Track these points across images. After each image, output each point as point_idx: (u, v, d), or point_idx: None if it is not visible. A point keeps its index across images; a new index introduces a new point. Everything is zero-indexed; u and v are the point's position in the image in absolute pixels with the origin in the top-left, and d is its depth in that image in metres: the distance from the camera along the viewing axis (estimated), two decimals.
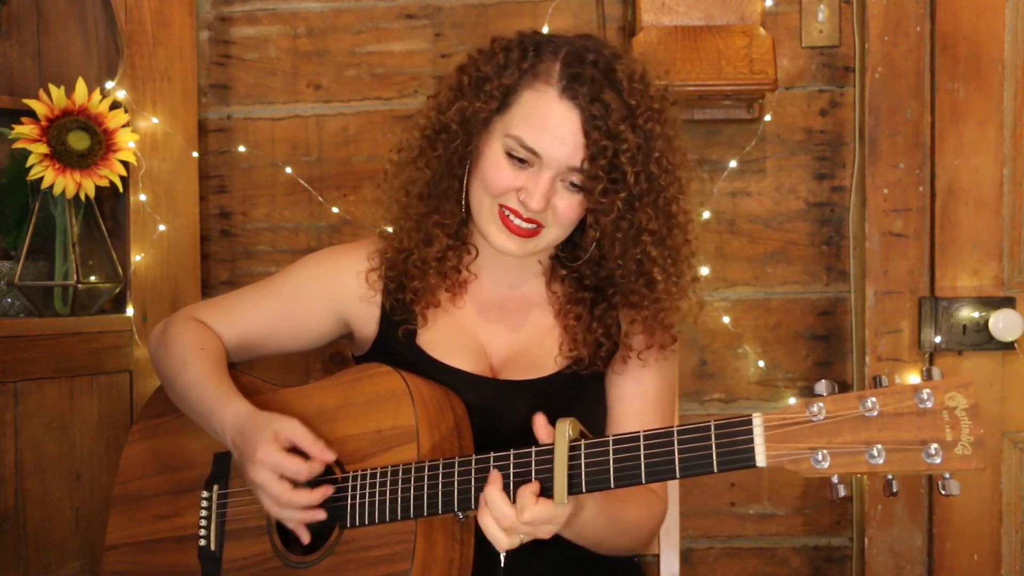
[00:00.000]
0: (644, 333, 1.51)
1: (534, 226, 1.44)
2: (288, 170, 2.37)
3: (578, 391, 1.52)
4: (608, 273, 1.51)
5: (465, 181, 1.49)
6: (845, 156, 2.26)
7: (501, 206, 1.44)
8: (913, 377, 2.15)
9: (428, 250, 1.52)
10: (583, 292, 1.54)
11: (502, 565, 1.36)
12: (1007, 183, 2.14)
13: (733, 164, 2.27)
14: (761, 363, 2.28)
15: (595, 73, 1.40)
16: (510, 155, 1.42)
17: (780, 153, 2.27)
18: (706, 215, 2.27)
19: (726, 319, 2.28)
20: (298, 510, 1.37)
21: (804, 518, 2.29)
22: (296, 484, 1.36)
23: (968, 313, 2.11)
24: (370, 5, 2.35)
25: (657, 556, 1.75)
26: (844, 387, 2.27)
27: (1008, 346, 2.11)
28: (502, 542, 1.24)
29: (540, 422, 1.26)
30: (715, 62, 2.05)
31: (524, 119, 1.41)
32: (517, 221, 1.43)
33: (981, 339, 2.11)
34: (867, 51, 2.15)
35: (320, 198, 2.36)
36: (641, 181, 1.42)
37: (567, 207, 1.44)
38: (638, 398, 1.54)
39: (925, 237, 2.15)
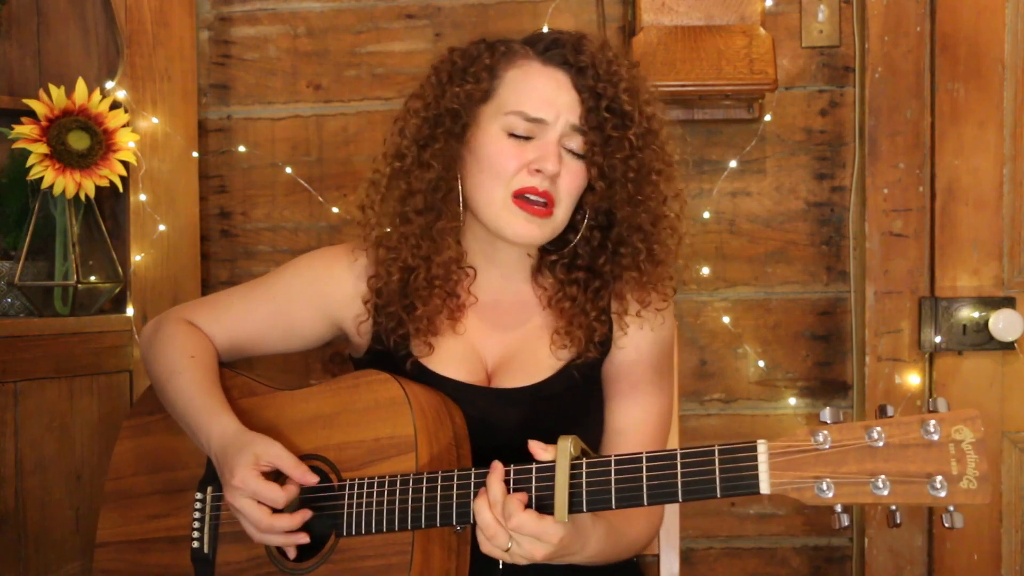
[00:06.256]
0: (639, 290, 1.52)
1: (545, 201, 1.44)
2: (288, 170, 2.37)
3: (571, 395, 1.51)
4: (600, 243, 1.52)
5: (461, 192, 1.49)
6: (845, 156, 2.26)
7: (515, 193, 1.43)
8: (913, 379, 2.15)
9: (438, 258, 1.49)
10: (576, 272, 1.53)
11: (500, 567, 1.36)
12: (1007, 183, 2.14)
13: (733, 164, 2.27)
14: (761, 363, 2.28)
15: (567, 39, 1.48)
16: (512, 135, 1.44)
17: (780, 153, 2.27)
18: (706, 215, 2.27)
19: (726, 319, 2.28)
20: (279, 535, 1.36)
21: (804, 518, 2.29)
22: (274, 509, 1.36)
23: (968, 313, 2.11)
24: (370, 5, 2.35)
25: (657, 556, 1.75)
26: (844, 388, 2.28)
27: (1008, 346, 2.11)
28: (485, 545, 1.25)
29: (535, 447, 1.25)
30: (715, 62, 2.05)
31: (516, 95, 1.45)
32: (533, 198, 1.43)
33: (981, 339, 2.11)
34: (867, 51, 2.15)
35: (320, 198, 2.36)
36: (643, 121, 1.47)
37: (573, 174, 1.46)
38: (637, 419, 1.54)
39: (925, 237, 2.15)
